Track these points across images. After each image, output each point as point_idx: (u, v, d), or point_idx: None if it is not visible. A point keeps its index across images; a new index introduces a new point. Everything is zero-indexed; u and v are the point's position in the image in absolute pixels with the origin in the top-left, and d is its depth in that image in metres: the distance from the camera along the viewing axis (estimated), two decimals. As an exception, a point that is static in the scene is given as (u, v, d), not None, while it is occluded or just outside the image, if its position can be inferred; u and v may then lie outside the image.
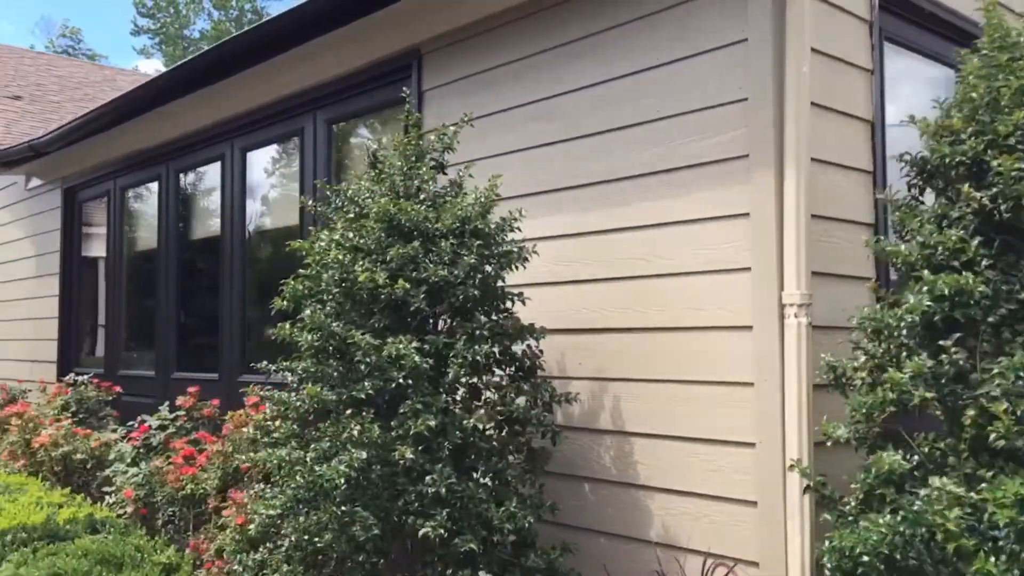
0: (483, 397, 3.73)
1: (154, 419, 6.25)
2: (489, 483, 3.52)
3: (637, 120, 3.99)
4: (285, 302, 3.75)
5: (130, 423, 6.51)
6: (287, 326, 3.68)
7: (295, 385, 3.68)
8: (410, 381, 3.42)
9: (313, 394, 3.43)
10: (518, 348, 3.80)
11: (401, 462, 3.32)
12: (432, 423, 3.31)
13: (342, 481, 3.27)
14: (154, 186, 8.03)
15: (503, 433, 3.70)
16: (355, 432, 3.35)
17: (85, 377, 7.52)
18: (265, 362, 3.85)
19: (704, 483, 3.63)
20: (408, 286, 3.45)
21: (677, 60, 3.85)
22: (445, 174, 4.06)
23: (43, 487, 5.71)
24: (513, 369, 3.84)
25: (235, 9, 48.52)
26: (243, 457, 5.49)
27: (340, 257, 3.57)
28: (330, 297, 3.60)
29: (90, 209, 9.38)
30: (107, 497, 5.66)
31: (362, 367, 3.43)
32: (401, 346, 3.35)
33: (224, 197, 7.03)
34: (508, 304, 3.79)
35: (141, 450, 5.75)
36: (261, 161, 6.94)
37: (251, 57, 6.03)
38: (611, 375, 4.04)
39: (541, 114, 4.45)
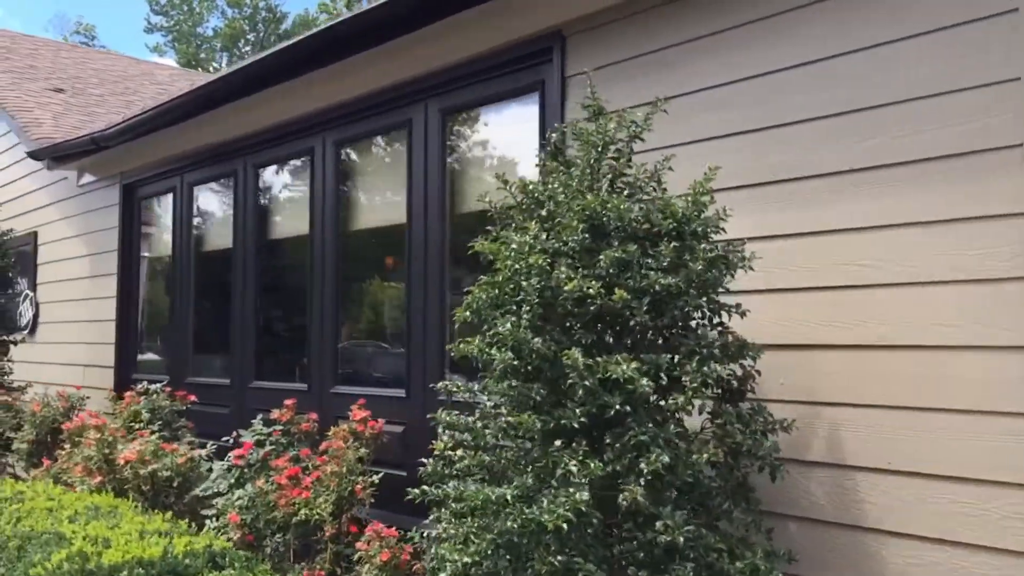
0: (701, 426, 3.22)
1: (248, 434, 5.76)
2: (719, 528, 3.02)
3: (861, 105, 3.48)
4: (469, 313, 3.25)
5: (225, 438, 6.00)
6: (476, 341, 3.18)
7: (488, 409, 3.18)
8: (627, 407, 2.92)
9: (522, 423, 2.91)
10: (725, 368, 3.29)
11: (624, 504, 2.82)
12: (666, 459, 2.81)
13: (564, 526, 2.76)
14: (228, 182, 7.53)
15: (723, 468, 3.19)
16: (572, 468, 2.85)
17: (158, 385, 7.02)
18: (446, 383, 3.35)
19: (963, 530, 3.11)
20: (627, 296, 2.94)
21: (919, 35, 3.34)
22: (630, 166, 3.55)
23: (134, 509, 5.21)
24: (719, 392, 3.33)
25: (249, 7, 48.18)
26: (357, 479, 5.02)
27: (540, 263, 3.06)
28: (528, 309, 3.09)
29: (152, 206, 8.88)
30: (208, 522, 5.16)
31: (576, 391, 2.93)
32: (623, 367, 2.85)
33: (314, 193, 6.54)
34: (725, 317, 3.28)
35: (245, 469, 5.25)
36: (356, 155, 6.44)
37: (361, 42, 5.54)
38: (824, 399, 3.53)
39: (726, 100, 3.94)
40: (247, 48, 49.14)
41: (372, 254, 6.43)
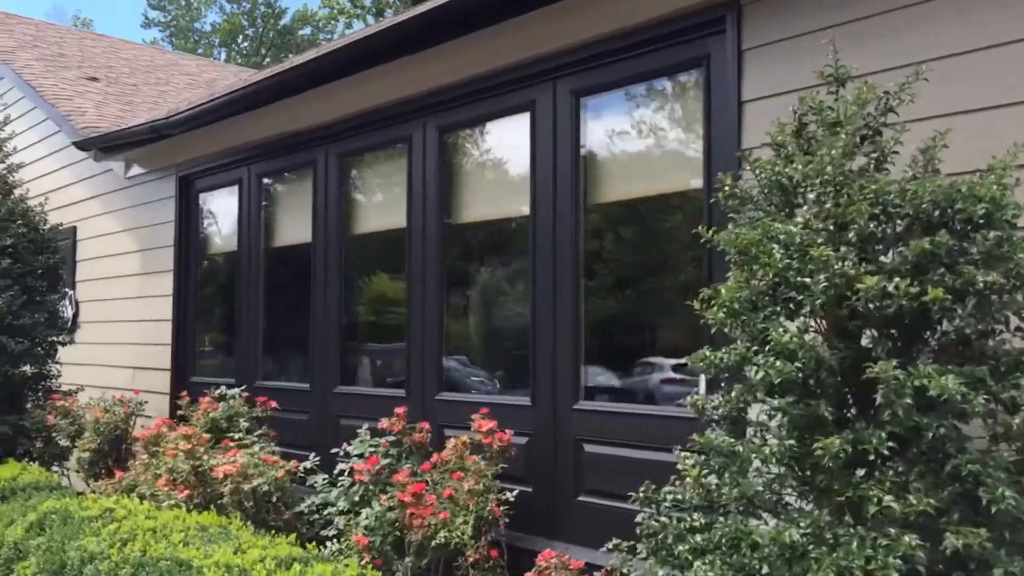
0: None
1: (356, 446, 5.27)
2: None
3: None
4: (723, 313, 2.76)
5: (308, 451, 5.49)
6: (739, 347, 2.69)
7: (753, 432, 2.70)
8: (941, 430, 2.44)
9: (826, 447, 2.42)
10: None
11: (950, 549, 2.34)
12: (1008, 493, 2.33)
13: None
14: (307, 172, 7.02)
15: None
16: (890, 503, 2.36)
17: (235, 390, 6.51)
18: (697, 398, 2.86)
19: None
20: (943, 295, 2.46)
21: None
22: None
23: (241, 528, 4.71)
24: None
25: (247, 2, 47.53)
26: (496, 496, 4.54)
27: (824, 255, 2.57)
28: (809, 310, 2.60)
29: (212, 199, 8.36)
30: (330, 543, 4.66)
31: (883, 409, 2.45)
32: (945, 381, 2.37)
33: (412, 183, 6.04)
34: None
35: (371, 486, 4.75)
36: (460, 142, 5.94)
37: (480, 19, 5.06)
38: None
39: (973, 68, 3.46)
40: (244, 43, 48.60)
41: (486, 248, 5.93)
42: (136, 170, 9.14)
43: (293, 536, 4.69)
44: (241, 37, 48.52)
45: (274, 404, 6.48)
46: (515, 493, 4.69)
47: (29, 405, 7.73)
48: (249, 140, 7.47)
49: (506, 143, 5.64)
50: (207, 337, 8.36)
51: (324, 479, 5.36)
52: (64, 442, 7.61)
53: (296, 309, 7.23)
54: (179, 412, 6.76)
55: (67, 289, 8.14)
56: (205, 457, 5.55)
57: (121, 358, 9.05)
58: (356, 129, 6.51)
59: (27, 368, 7.66)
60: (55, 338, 7.93)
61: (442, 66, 5.67)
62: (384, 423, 5.30)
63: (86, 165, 9.75)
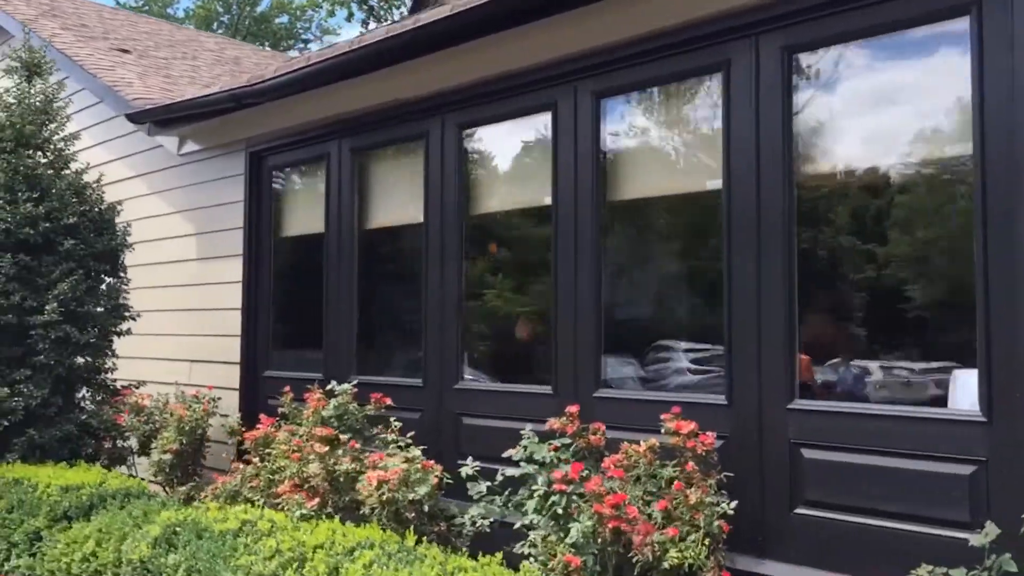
0: None
1: (522, 449, 4.65)
2: None
3: None
4: None
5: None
6: None
7: None
8: None
9: None
10: None
11: None
12: None
13: None
14: (416, 146, 6.37)
15: None
16: None
17: (346, 385, 5.84)
18: None
19: None
20: None
21: None
22: None
23: (429, 547, 4.07)
24: None
25: (222, -12, 46.44)
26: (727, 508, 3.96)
27: None
28: None
29: (289, 176, 7.67)
30: (527, 563, 4.03)
31: None
32: None
33: (558, 156, 5.42)
34: None
35: (573, 497, 4.12)
36: (621, 110, 5.33)
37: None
38: None
39: None
40: (220, 30, 47.58)
41: (661, 227, 5.34)
42: (189, 147, 8.42)
43: (464, 553, 4.10)
44: (216, 24, 47.46)
45: (388, 401, 5.82)
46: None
47: (86, 401, 7.00)
48: (343, 111, 6.80)
49: (694, 106, 5.05)
50: (283, 328, 7.65)
51: (486, 486, 4.73)
52: (131, 442, 6.91)
53: (400, 297, 6.60)
54: (281, 409, 6.08)
55: (124, 274, 7.38)
56: (346, 461, 4.91)
57: (175, 350, 8.33)
58: (482, 97, 5.87)
59: (83, 360, 6.91)
60: (116, 327, 7.19)
61: (601, 24, 5.06)
62: (555, 423, 4.68)
63: (127, 141, 9.02)
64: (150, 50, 11.68)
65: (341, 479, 4.93)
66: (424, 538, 4.27)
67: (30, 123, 6.92)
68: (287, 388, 6.09)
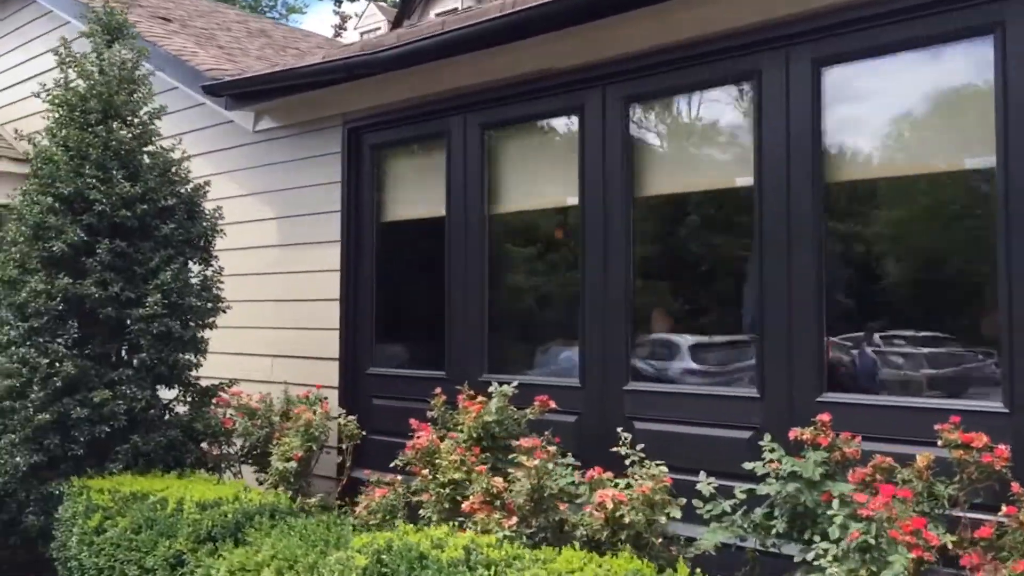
0: None
1: (778, 461, 4.11)
2: None
3: None
4: None
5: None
6: None
7: None
8: None
9: None
10: None
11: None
12: None
13: None
14: (567, 121, 5.78)
15: None
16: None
17: (507, 387, 5.22)
18: None
19: None
20: None
21: None
22: None
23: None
24: None
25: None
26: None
27: None
28: None
29: (396, 155, 7.03)
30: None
31: None
32: None
33: (764, 130, 4.87)
34: None
35: (884, 524, 3.58)
36: (837, 82, 4.79)
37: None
38: None
39: None
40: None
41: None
42: (266, 123, 7.73)
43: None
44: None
45: (553, 404, 5.23)
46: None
47: (178, 402, 6.31)
48: (470, 83, 6.18)
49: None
50: (390, 321, 7.02)
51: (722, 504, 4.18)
52: (231, 448, 6.25)
53: (540, 286, 6.01)
54: (430, 413, 5.46)
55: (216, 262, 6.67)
56: (555, 474, 4.34)
57: (254, 345, 7.65)
58: (660, 67, 5.29)
59: (184, 357, 6.22)
60: (210, 321, 6.50)
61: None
62: (803, 433, 4.13)
63: (189, 116, 8.27)
64: (187, 20, 10.88)
65: (547, 495, 4.35)
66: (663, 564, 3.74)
67: (117, 92, 6.17)
68: (438, 390, 5.45)
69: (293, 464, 5.69)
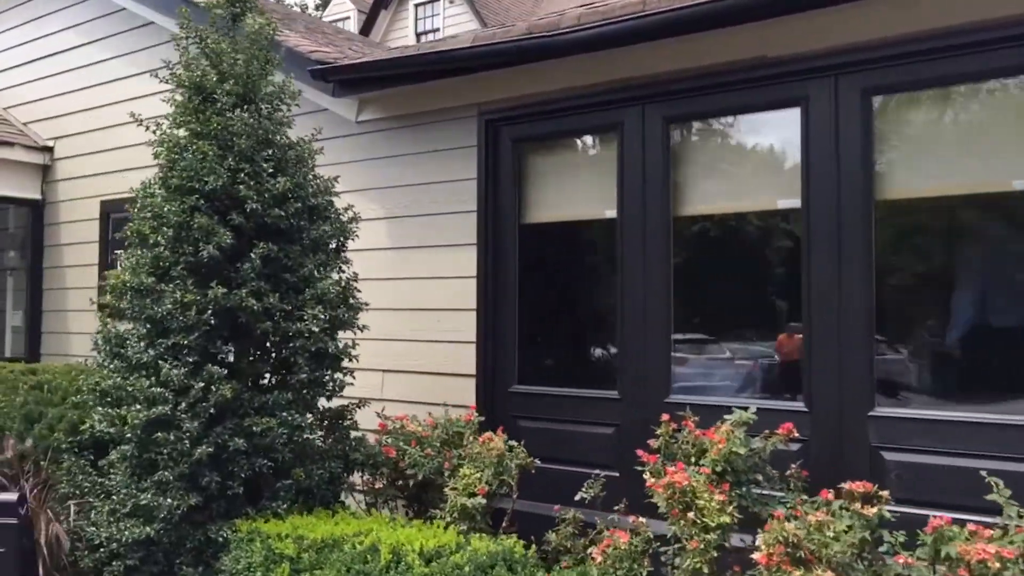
0: None
1: None
2: None
3: None
4: None
5: None
6: None
7: None
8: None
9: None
10: None
11: None
12: None
13: None
14: (790, 114, 5.20)
15: None
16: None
17: (745, 413, 4.64)
18: None
19: None
20: None
21: None
22: None
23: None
24: None
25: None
26: None
27: None
28: None
29: (542, 150, 6.36)
30: None
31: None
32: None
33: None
34: None
35: None
36: None
37: None
38: None
39: None
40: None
41: None
42: (371, 114, 6.99)
43: None
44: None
45: (797, 432, 4.67)
46: None
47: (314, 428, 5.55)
48: (649, 72, 5.58)
49: None
50: (537, 333, 6.35)
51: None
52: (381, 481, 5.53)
53: (745, 297, 5.43)
54: (652, 442, 4.82)
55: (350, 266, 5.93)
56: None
57: (360, 358, 6.87)
58: (910, 56, 4.76)
59: (337, 376, 5.48)
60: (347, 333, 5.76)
61: None
62: None
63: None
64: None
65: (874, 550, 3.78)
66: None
67: (257, 73, 5.40)
68: (665, 416, 4.81)
69: (480, 500, 4.99)
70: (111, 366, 5.02)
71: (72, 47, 9.51)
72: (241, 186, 5.04)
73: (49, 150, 9.72)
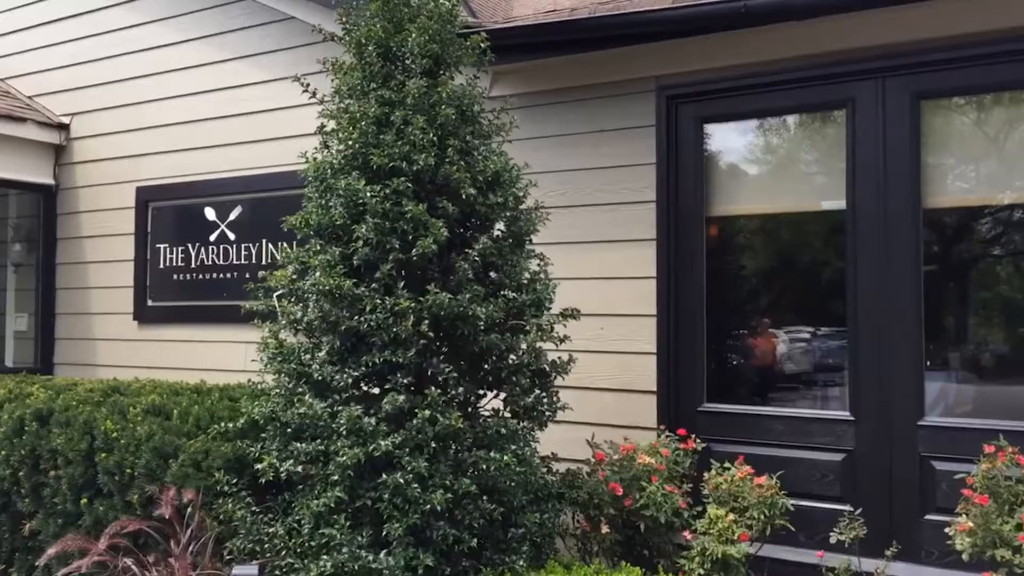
0: None
1: None
2: None
3: None
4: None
5: None
6: None
7: None
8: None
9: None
10: None
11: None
12: None
13: None
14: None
15: None
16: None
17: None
18: None
19: None
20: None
21: None
22: None
23: None
24: None
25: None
26: None
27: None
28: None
29: (739, 131, 5.54)
30: None
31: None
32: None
33: None
34: None
35: None
36: None
37: None
38: None
39: None
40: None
41: None
42: (502, 89, 6.06)
43: None
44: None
45: None
46: None
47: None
48: (891, 40, 4.82)
49: None
50: (729, 345, 5.54)
51: None
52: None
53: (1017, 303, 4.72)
54: (969, 478, 4.05)
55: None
56: None
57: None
58: None
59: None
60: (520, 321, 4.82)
61: None
62: None
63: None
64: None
65: None
66: None
67: (448, 37, 4.46)
68: (988, 448, 4.04)
69: (743, 547, 4.15)
70: (289, 387, 4.01)
71: (94, 8, 8.25)
72: (453, 167, 4.07)
73: (64, 128, 8.44)
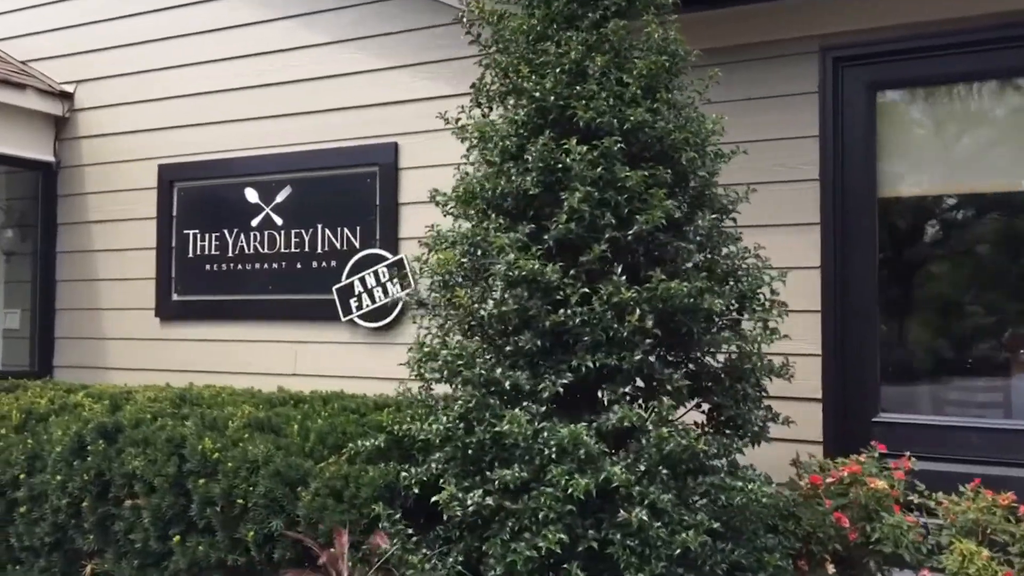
0: None
1: None
2: None
3: None
4: None
5: None
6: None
7: None
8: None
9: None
10: None
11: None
12: None
13: None
14: None
15: None
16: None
17: None
18: None
19: None
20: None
21: None
22: None
23: None
24: None
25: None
26: None
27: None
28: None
29: (911, 100, 4.83)
30: None
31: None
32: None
33: None
34: None
35: None
36: None
37: None
38: None
39: None
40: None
41: None
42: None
43: None
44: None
45: None
46: None
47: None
48: None
49: None
50: (911, 343, 4.82)
51: None
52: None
53: None
54: None
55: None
56: None
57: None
58: None
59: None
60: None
61: None
62: None
63: (422, 38, 5.68)
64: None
65: None
66: None
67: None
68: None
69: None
70: (478, 397, 3.16)
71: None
72: (669, 125, 3.27)
73: (68, 97, 7.40)
